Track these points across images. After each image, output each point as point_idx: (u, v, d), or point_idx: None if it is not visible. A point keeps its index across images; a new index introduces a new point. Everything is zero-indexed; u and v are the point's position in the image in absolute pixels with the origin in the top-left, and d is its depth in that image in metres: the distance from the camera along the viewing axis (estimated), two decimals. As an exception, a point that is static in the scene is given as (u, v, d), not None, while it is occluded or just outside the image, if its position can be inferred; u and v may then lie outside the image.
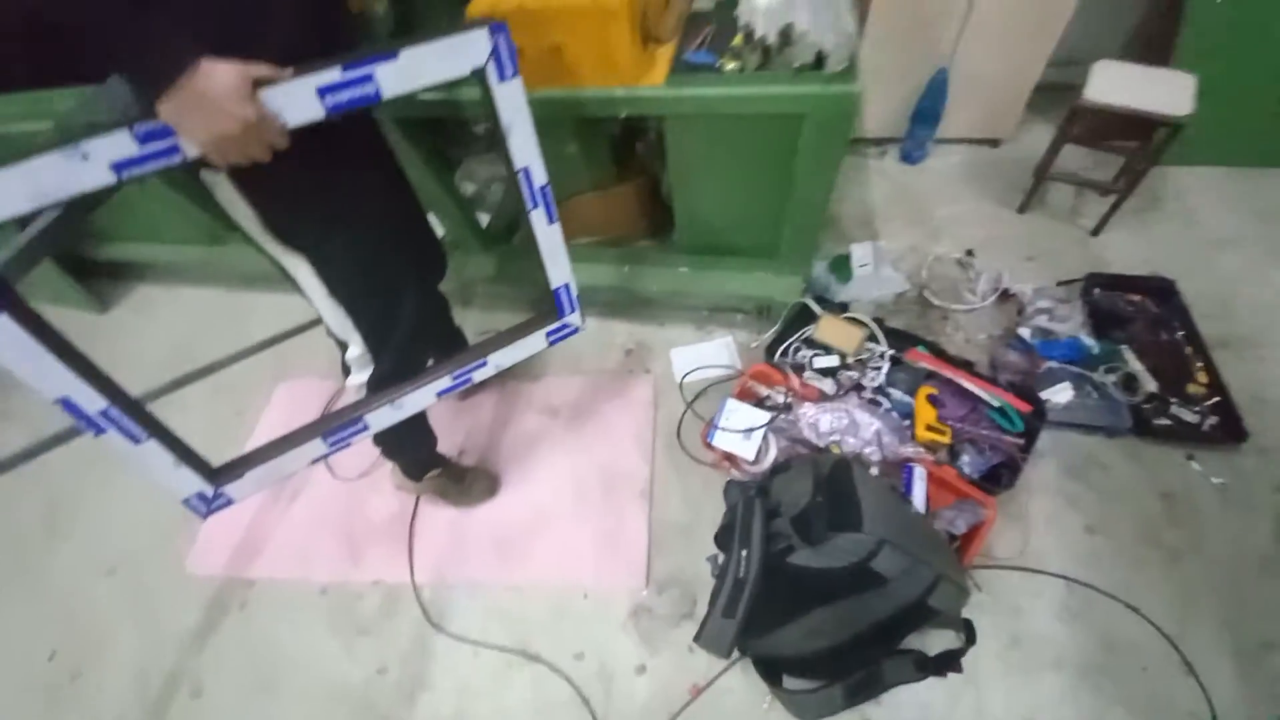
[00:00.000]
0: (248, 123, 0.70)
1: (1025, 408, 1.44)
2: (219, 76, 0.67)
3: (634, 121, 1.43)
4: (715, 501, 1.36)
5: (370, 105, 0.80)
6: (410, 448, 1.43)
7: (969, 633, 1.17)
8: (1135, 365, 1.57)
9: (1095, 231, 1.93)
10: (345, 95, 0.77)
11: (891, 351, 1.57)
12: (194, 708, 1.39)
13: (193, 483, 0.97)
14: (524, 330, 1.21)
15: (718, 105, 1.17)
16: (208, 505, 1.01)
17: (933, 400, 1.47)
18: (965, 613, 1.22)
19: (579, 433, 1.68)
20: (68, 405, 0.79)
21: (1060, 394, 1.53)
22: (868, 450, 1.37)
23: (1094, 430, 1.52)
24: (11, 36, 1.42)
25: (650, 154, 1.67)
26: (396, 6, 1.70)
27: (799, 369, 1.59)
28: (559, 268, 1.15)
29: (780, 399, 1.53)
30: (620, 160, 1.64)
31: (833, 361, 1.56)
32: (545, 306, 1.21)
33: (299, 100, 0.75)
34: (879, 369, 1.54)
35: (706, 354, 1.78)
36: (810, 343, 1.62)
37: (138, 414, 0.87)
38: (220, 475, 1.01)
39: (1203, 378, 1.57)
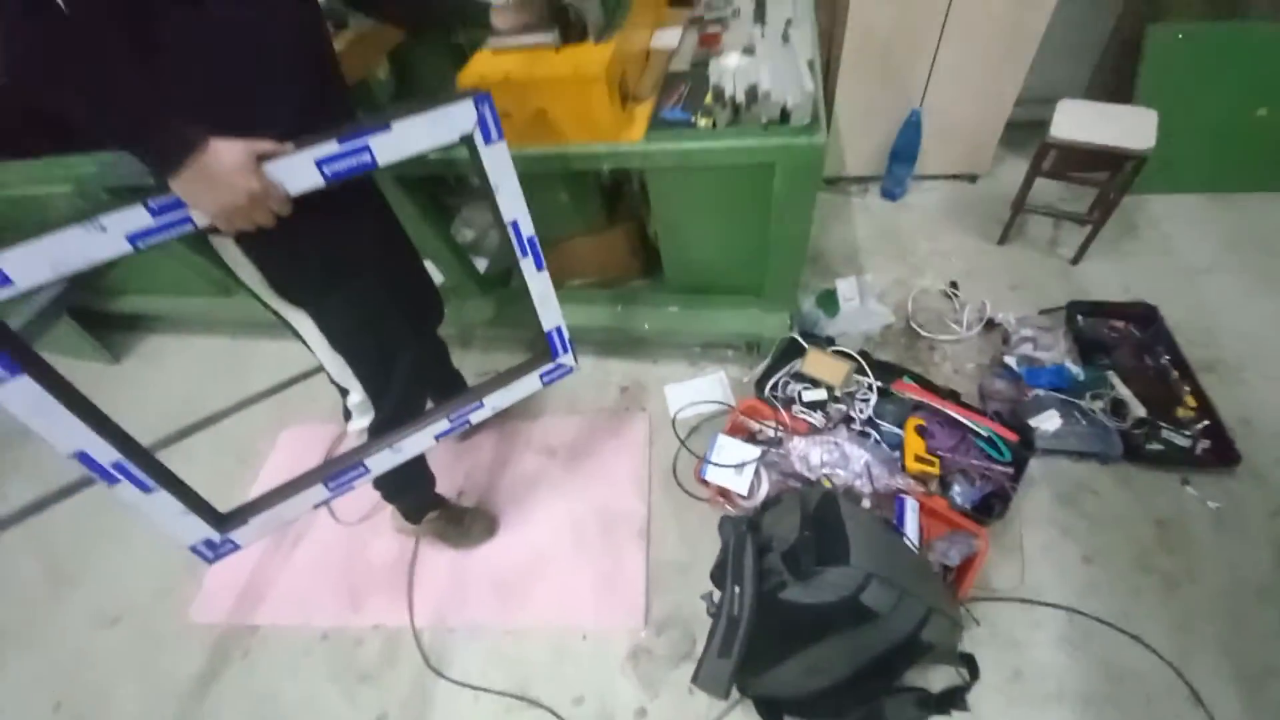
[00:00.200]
0: (253, 194, 0.76)
1: (1012, 437, 1.46)
2: (226, 154, 0.73)
3: (618, 173, 1.51)
4: (712, 538, 1.36)
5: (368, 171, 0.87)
6: (409, 490, 1.45)
7: (972, 668, 1.16)
8: (1122, 390, 1.60)
9: (1075, 260, 1.98)
10: (343, 164, 0.84)
11: (878, 383, 1.61)
12: (195, 759, 1.38)
13: (200, 530, 1.01)
14: (519, 372, 1.26)
15: (692, 158, 1.25)
16: (214, 552, 1.04)
17: (921, 431, 1.49)
18: (965, 647, 1.21)
19: (576, 472, 1.71)
20: (83, 458, 0.84)
21: (1048, 421, 1.55)
22: (858, 483, 1.39)
23: (1085, 457, 1.53)
24: (30, 115, 1.52)
25: (637, 201, 1.75)
26: (397, 73, 1.82)
27: (789, 403, 1.62)
28: (550, 312, 1.21)
29: (771, 433, 1.56)
30: (611, 205, 1.72)
31: (820, 395, 1.59)
32: (539, 348, 1.26)
33: (300, 171, 0.81)
34: (866, 401, 1.57)
35: (700, 390, 1.82)
36: (799, 377, 1.65)
37: (148, 464, 0.91)
38: (227, 522, 1.05)
39: (1191, 401, 1.59)
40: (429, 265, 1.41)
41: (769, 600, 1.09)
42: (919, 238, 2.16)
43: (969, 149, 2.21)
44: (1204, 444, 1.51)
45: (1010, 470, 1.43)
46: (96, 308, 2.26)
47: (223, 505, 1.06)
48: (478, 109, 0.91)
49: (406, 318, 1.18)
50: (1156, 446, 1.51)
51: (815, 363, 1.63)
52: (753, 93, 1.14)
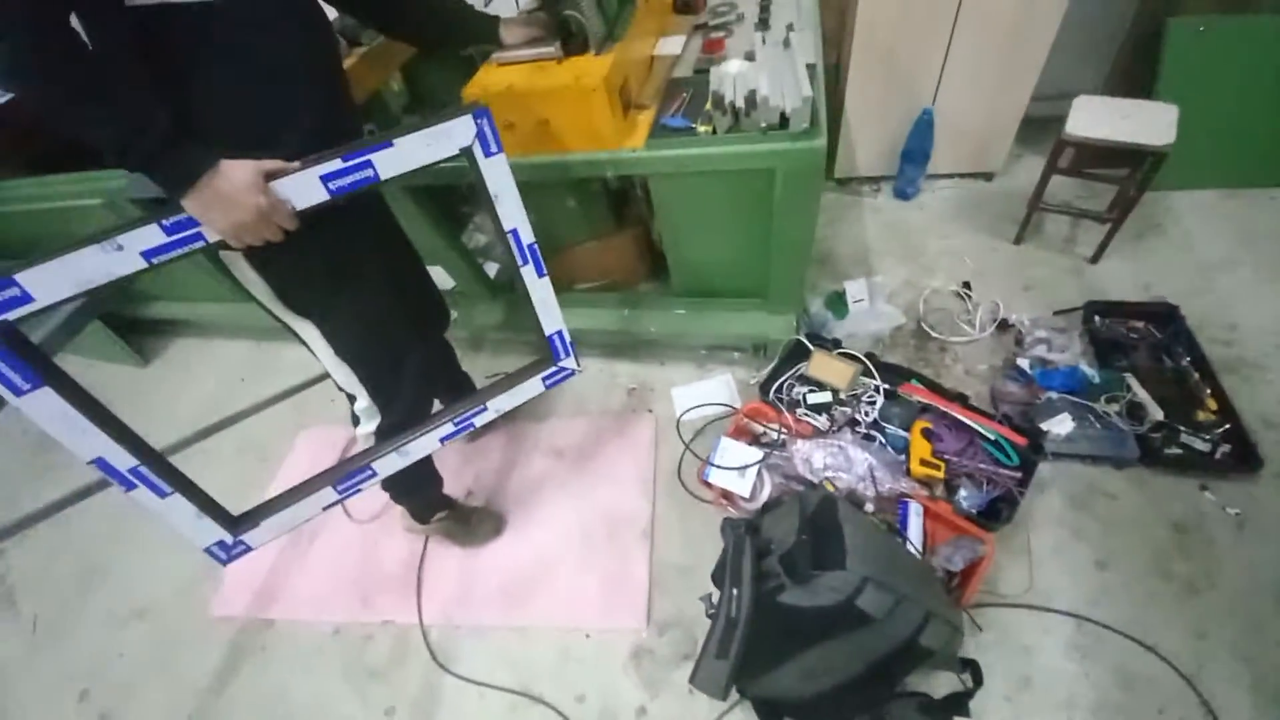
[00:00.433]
0: (262, 211, 0.80)
1: (1020, 441, 1.43)
2: (235, 174, 0.77)
3: (624, 179, 1.53)
4: (715, 540, 1.37)
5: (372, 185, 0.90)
6: (417, 492, 1.49)
7: (975, 674, 1.15)
8: (1140, 393, 1.56)
9: (1094, 259, 1.94)
10: (347, 180, 0.87)
11: (885, 386, 1.60)
12: (215, 749, 1.43)
13: (214, 532, 1.05)
14: (522, 375, 1.28)
15: (693, 163, 1.26)
16: (228, 553, 1.08)
17: (928, 434, 1.47)
18: (972, 653, 1.20)
19: (583, 473, 1.73)
20: (101, 464, 0.88)
21: (1060, 425, 1.52)
22: (861, 486, 1.38)
23: (1100, 461, 1.50)
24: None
25: (643, 207, 1.77)
26: (409, 84, 1.86)
27: (793, 405, 1.61)
28: (551, 316, 1.22)
29: (775, 435, 1.56)
30: (618, 211, 1.74)
31: (825, 398, 1.58)
32: (543, 352, 1.28)
33: (306, 188, 0.84)
34: (872, 403, 1.56)
35: (706, 392, 1.82)
36: (804, 379, 1.65)
37: (164, 470, 0.95)
38: (239, 524, 1.09)
39: (1212, 404, 1.55)
40: (436, 272, 1.45)
41: (767, 603, 1.10)
42: (931, 237, 2.13)
43: (983, 147, 2.17)
44: (1224, 448, 1.47)
45: (1018, 475, 1.40)
46: (126, 313, 2.35)
47: (244, 502, 1.11)
48: (476, 123, 0.93)
49: (411, 324, 1.21)
50: (1175, 451, 1.48)
51: (820, 365, 1.63)
52: (752, 99, 1.15)
